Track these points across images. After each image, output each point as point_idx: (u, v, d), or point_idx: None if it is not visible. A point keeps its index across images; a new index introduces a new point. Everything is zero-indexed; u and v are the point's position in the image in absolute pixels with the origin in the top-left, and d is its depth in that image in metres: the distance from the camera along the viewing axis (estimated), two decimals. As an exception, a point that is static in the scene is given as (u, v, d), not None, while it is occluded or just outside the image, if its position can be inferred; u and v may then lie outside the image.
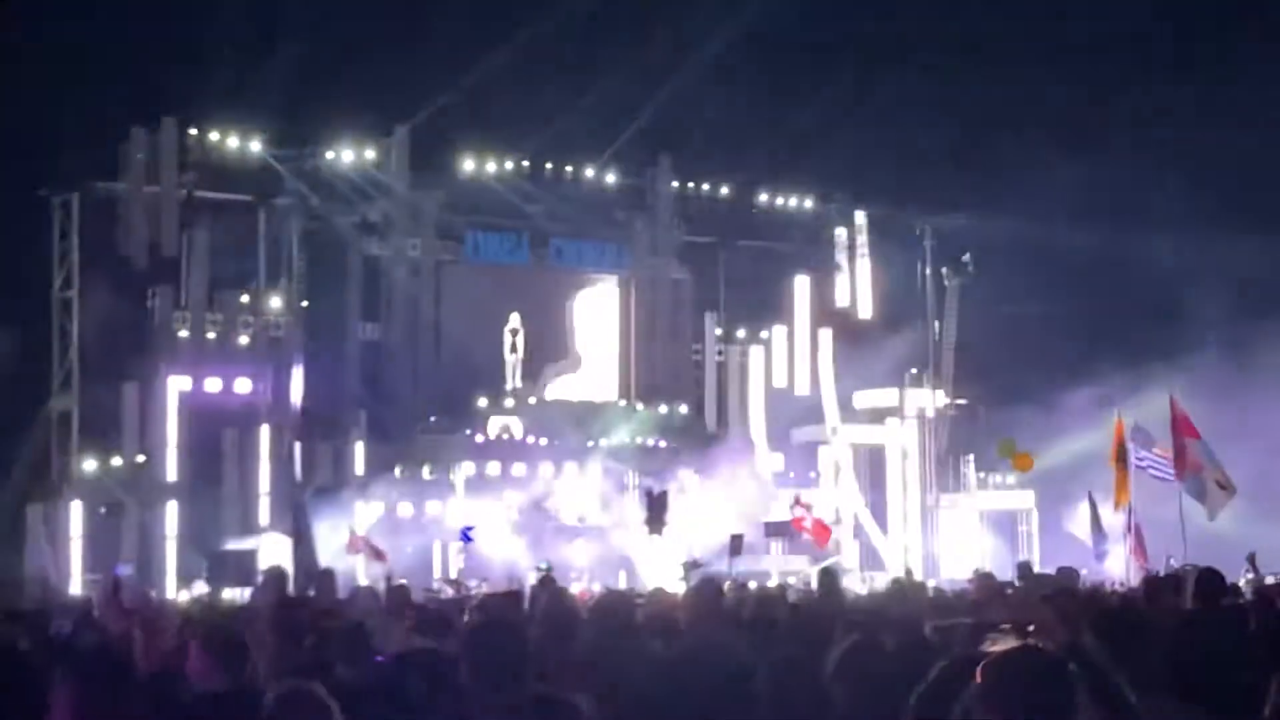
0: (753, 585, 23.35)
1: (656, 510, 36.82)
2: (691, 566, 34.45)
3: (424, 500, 41.26)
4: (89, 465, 39.50)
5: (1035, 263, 44.97)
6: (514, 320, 46.06)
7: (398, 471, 41.90)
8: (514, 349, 46.02)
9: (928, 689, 5.37)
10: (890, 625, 9.80)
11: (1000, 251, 46.37)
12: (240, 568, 31.96)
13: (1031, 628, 7.92)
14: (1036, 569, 27.09)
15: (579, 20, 41.71)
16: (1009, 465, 45.44)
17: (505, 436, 43.55)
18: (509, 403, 44.41)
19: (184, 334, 40.76)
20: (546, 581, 24.02)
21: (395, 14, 42.21)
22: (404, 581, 21.34)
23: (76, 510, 38.93)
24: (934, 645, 8.11)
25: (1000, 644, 5.22)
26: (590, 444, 43.69)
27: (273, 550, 34.23)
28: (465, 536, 38.57)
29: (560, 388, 46.57)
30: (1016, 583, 18.32)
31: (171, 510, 39.13)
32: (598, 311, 47.72)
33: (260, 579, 22.88)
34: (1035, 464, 44.72)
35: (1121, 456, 26.37)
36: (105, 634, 14.36)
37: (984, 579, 16.55)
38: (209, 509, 39.46)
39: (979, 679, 4.82)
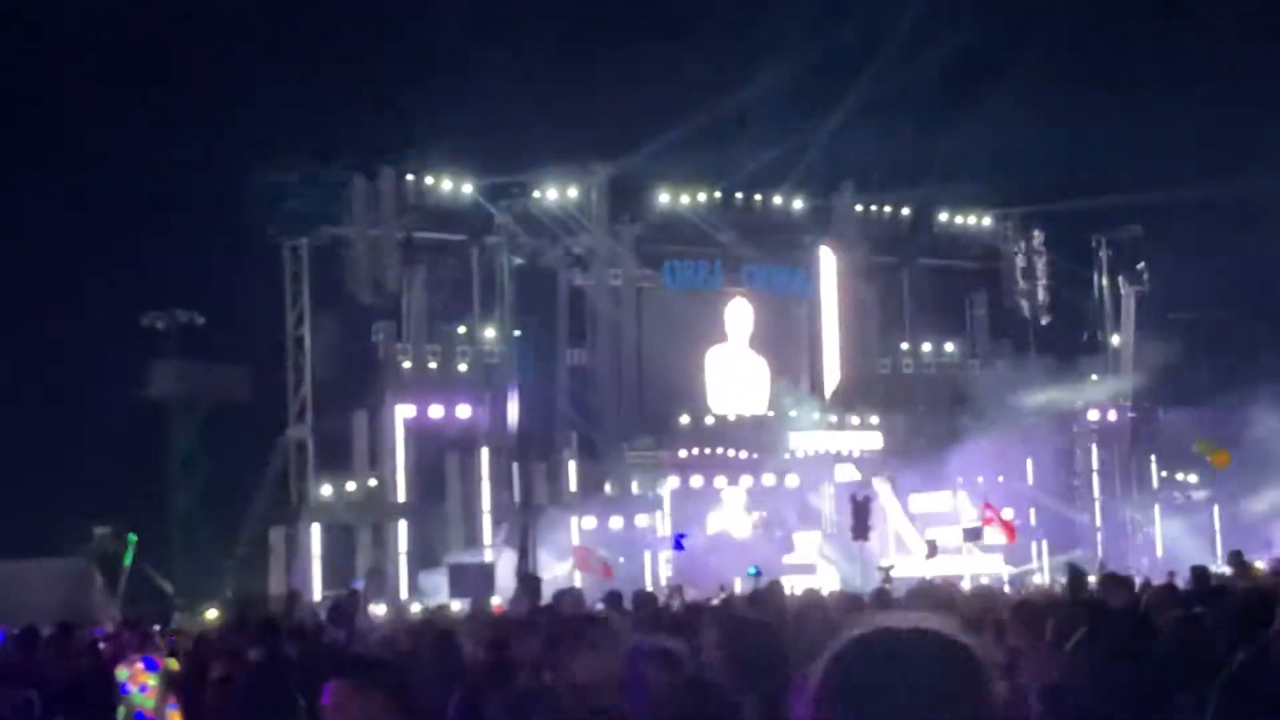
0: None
1: (861, 517, 38.30)
2: (888, 570, 36.23)
3: (633, 514, 42.82)
4: (324, 489, 41.13)
5: (1208, 269, 46.07)
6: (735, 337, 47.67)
7: (608, 488, 43.66)
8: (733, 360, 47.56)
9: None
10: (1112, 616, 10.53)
11: (1174, 259, 47.49)
12: (480, 579, 33.84)
13: None
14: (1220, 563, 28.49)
15: (760, 59, 43.82)
16: (1206, 462, 46.50)
17: (708, 451, 45.00)
18: (709, 420, 46.08)
19: (407, 365, 42.59)
20: (775, 586, 26.08)
21: (591, 62, 44.44)
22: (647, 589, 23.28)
23: (315, 532, 40.60)
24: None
25: None
26: (787, 455, 45.51)
27: (505, 564, 36.20)
28: (678, 544, 40.27)
29: (756, 403, 47.98)
30: (1229, 572, 19.67)
31: (401, 529, 40.96)
32: (789, 330, 49.14)
33: (514, 589, 25.05)
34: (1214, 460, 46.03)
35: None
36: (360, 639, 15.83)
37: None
38: (435, 527, 41.40)
39: None
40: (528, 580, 20.84)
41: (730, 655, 6.95)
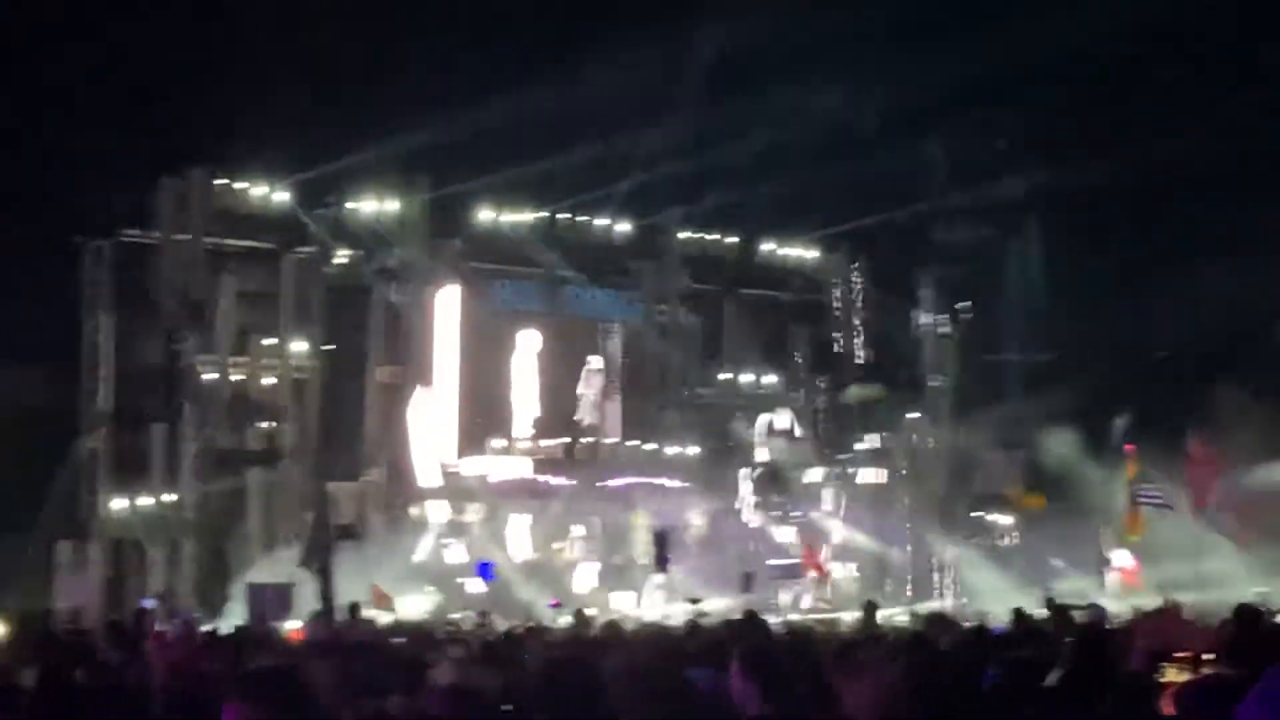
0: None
1: (662, 548, 38.15)
2: (696, 602, 35.75)
3: (442, 540, 41.87)
4: (116, 503, 40.08)
5: (1030, 311, 46.55)
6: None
7: (415, 512, 42.59)
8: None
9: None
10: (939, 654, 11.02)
11: (996, 299, 47.94)
12: (279, 601, 32.68)
13: (1209, 656, 8.24)
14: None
15: (589, 75, 43.02)
16: (1015, 505, 47.02)
17: (521, 477, 44.25)
18: (524, 445, 45.21)
19: (211, 377, 41.47)
20: (580, 615, 25.31)
21: (417, 70, 43.34)
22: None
23: (104, 547, 39.52)
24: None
25: (1179, 673, 5.43)
26: (600, 484, 44.78)
27: (304, 587, 35.16)
28: (485, 574, 39.55)
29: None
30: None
31: (197, 548, 39.71)
32: (609, 356, 48.42)
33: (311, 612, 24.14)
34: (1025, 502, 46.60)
35: (1133, 494, 28.16)
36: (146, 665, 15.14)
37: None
38: (234, 547, 40.07)
39: (1172, 707, 5.04)
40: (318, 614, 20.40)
41: (551, 697, 6.81)
